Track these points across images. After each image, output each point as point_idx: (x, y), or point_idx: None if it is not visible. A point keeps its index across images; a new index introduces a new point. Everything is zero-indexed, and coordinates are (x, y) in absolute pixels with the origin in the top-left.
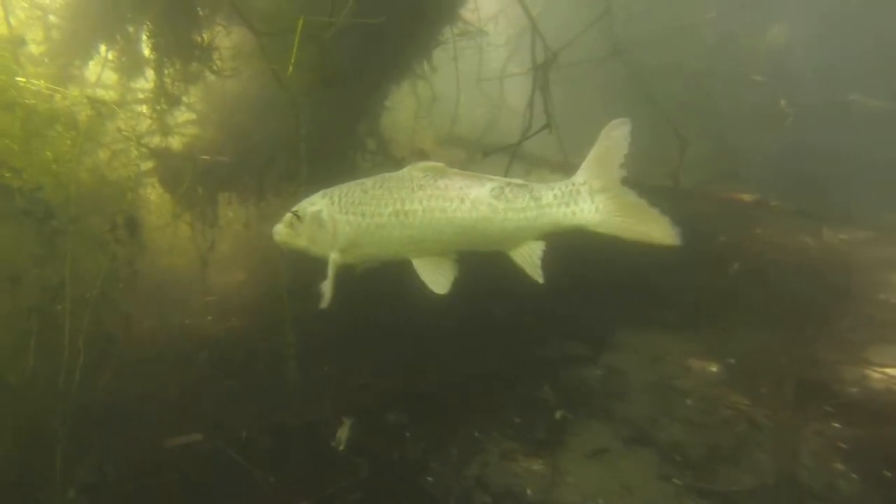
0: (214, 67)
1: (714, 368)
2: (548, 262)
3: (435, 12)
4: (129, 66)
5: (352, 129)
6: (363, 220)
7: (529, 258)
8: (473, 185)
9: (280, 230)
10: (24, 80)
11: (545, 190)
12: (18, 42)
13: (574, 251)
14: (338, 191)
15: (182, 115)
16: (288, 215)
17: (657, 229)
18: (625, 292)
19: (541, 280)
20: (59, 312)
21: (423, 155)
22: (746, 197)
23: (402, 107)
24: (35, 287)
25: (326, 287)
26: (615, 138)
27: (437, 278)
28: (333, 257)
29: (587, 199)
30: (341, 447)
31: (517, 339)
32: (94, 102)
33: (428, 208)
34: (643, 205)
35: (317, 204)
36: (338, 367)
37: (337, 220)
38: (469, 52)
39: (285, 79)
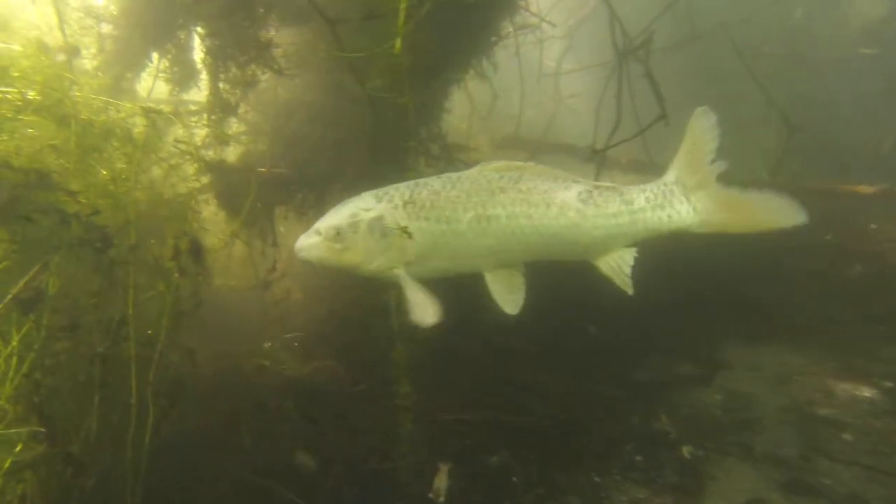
0: (276, 67)
1: (867, 393)
2: (636, 272)
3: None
4: (181, 75)
5: (415, 134)
6: (439, 227)
7: (618, 267)
8: (558, 189)
9: (315, 244)
10: (79, 93)
11: (636, 193)
12: (73, 52)
13: (663, 260)
14: (396, 192)
15: (234, 127)
16: (326, 226)
17: (776, 212)
18: (724, 303)
19: (630, 291)
20: (123, 358)
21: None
22: (864, 189)
23: (457, 108)
24: (95, 329)
25: (420, 303)
26: (701, 130)
27: (510, 296)
28: (400, 273)
29: (683, 200)
30: (441, 499)
31: (615, 359)
32: (149, 113)
33: (512, 214)
34: (747, 195)
35: (373, 209)
36: (422, 400)
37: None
38: (524, 48)
39: (361, 72)
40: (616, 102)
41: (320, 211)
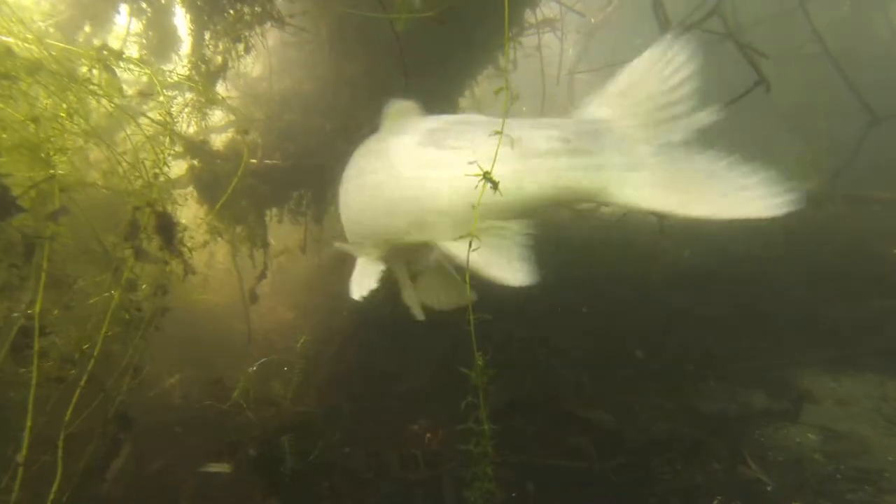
0: (276, 14)
1: None
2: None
3: None
4: (159, 41)
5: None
6: None
7: (490, 260)
8: (402, 131)
9: None
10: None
11: (530, 129)
12: None
13: (715, 264)
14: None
15: (222, 118)
16: None
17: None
18: (793, 319)
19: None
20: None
21: None
22: None
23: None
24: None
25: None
26: (664, 58)
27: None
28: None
29: (622, 150)
30: None
31: (670, 387)
32: (102, 51)
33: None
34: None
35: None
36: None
37: None
38: (535, 53)
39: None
40: None
41: (320, 210)
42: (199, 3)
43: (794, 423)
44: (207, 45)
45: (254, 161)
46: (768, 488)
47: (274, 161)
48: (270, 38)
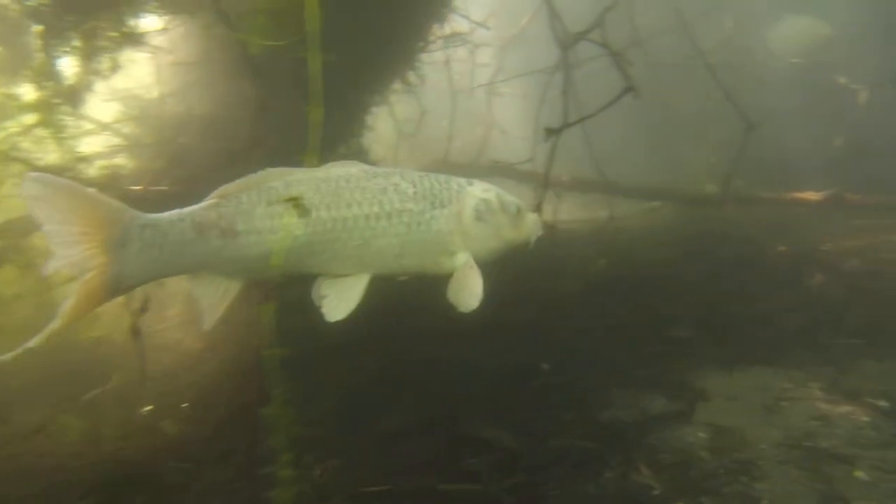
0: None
1: (865, 417)
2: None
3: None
4: (9, 59)
5: (331, 152)
6: None
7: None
8: None
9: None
10: None
11: None
12: None
13: (618, 277)
14: None
15: (103, 141)
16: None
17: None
18: (681, 325)
19: None
20: None
21: None
22: (812, 195)
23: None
24: None
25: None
26: None
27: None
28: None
29: None
30: None
31: (574, 398)
32: None
33: None
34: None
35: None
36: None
37: None
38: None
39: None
40: (563, 98)
41: None
42: (46, 19)
43: (688, 423)
44: (59, 64)
45: (138, 188)
46: (655, 492)
47: (162, 187)
48: (166, 58)
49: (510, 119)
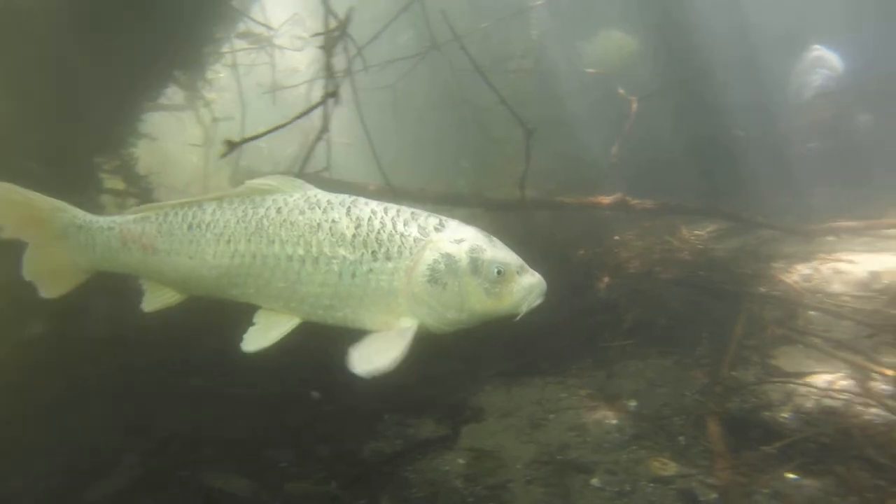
0: None
1: (613, 420)
2: None
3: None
4: None
5: (84, 164)
6: None
7: None
8: None
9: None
10: None
11: None
12: None
13: None
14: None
15: None
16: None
17: None
18: (471, 341)
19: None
20: None
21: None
22: (604, 199)
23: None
24: None
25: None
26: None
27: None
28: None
29: None
30: None
31: (341, 430)
32: None
33: None
34: None
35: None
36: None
37: None
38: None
39: None
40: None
41: None
42: None
43: (451, 449)
44: None
45: None
46: None
47: None
48: None
49: (335, 126)
